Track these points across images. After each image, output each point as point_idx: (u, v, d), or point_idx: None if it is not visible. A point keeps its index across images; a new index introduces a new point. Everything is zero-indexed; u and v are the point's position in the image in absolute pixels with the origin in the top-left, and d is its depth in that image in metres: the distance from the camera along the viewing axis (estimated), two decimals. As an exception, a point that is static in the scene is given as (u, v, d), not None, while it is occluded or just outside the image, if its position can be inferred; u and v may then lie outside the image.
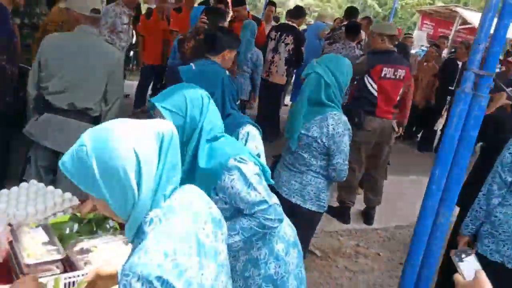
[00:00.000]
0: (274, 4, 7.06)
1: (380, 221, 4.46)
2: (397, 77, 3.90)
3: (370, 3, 22.04)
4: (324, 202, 2.54)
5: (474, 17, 15.25)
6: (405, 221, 4.50)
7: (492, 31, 2.07)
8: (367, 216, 4.40)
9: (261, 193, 1.64)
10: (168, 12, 6.07)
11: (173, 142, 1.09)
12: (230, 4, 5.98)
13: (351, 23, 5.45)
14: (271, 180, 1.81)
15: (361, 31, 5.47)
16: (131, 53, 8.36)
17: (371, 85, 3.88)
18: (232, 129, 2.04)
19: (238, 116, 2.20)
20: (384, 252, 3.97)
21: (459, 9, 15.75)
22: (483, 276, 1.17)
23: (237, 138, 2.05)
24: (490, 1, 2.03)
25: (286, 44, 5.41)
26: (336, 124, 2.37)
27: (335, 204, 4.29)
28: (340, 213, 4.26)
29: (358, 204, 4.47)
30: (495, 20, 2.06)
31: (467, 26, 15.46)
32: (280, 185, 2.58)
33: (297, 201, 2.51)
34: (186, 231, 1.05)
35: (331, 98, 2.40)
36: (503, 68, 7.65)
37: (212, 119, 1.67)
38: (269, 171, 1.80)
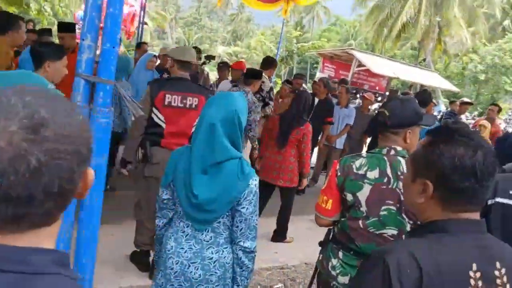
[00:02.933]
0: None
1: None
2: (187, 105, 3.43)
3: (268, 46, 22.77)
4: None
5: (367, 59, 15.87)
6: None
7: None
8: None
9: None
10: None
11: None
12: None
13: (249, 70, 5.32)
14: None
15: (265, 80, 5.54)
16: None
17: (157, 115, 3.39)
18: None
19: None
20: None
21: (354, 52, 16.30)
22: None
23: None
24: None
25: None
26: None
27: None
28: (137, 259, 3.64)
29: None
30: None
31: (363, 68, 15.99)
32: None
33: None
34: None
35: None
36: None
37: None
38: None
